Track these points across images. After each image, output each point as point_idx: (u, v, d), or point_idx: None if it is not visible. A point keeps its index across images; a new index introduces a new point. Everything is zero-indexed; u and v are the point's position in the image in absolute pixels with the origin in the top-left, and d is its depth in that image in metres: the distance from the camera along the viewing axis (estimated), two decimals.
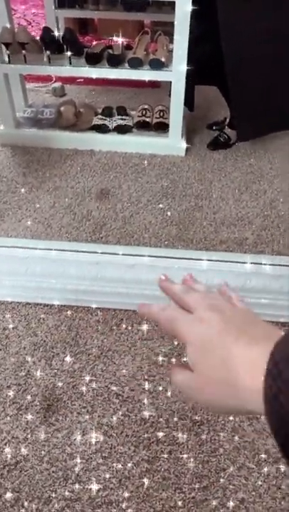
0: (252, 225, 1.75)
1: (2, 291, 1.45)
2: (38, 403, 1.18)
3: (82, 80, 2.78)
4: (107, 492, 1.03)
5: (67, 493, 1.02)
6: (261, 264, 1.49)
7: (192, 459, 1.08)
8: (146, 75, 2.00)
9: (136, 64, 1.97)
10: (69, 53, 1.96)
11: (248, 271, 1.46)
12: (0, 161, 2.10)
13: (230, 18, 1.82)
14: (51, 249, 1.56)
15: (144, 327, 1.38)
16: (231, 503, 1.02)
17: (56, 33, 2.05)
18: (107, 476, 1.05)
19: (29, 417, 1.15)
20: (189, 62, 1.90)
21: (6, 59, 1.99)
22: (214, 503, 1.02)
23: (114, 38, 2.35)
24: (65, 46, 2.00)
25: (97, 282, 1.46)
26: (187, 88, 1.99)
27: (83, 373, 1.25)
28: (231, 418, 1.16)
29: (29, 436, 1.11)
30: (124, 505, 1.01)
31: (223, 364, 0.34)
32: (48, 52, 1.97)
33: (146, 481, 1.05)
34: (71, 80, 2.76)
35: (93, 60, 1.98)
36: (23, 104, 2.32)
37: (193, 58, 1.89)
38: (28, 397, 1.19)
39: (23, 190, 1.93)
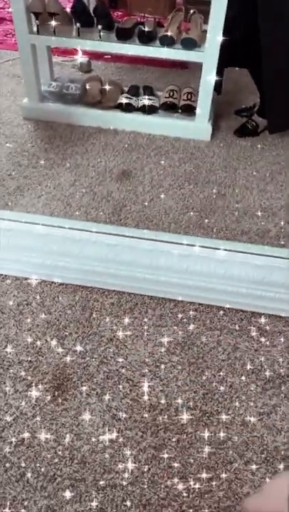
0: (275, 217, 1.71)
1: (18, 267, 1.44)
2: (47, 381, 1.17)
3: (109, 56, 2.71)
4: (112, 475, 1.03)
5: (72, 472, 1.02)
6: (283, 258, 1.45)
7: (199, 450, 1.07)
8: (177, 54, 1.93)
9: (168, 42, 1.90)
10: (99, 27, 1.90)
11: (268, 264, 1.43)
12: (22, 134, 2.08)
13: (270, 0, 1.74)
14: (69, 228, 1.54)
15: (158, 312, 1.36)
16: (236, 497, 1.01)
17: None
18: (113, 459, 1.05)
19: (38, 394, 1.15)
20: (222, 42, 1.82)
21: (35, 29, 1.94)
22: (219, 495, 1.01)
23: (146, 15, 2.28)
24: (95, 19, 1.94)
25: (113, 265, 1.44)
26: (217, 69, 1.92)
27: (95, 355, 1.24)
28: (242, 412, 1.15)
29: (38, 413, 1.12)
30: (128, 490, 1.01)
31: None
32: (78, 24, 1.91)
33: (151, 467, 1.04)
34: (98, 56, 2.69)
35: (124, 35, 1.91)
36: (48, 78, 2.27)
37: (226, 38, 1.81)
38: (39, 374, 1.19)
39: (44, 166, 1.90)
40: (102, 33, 1.92)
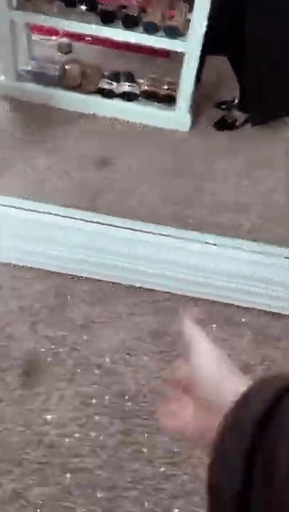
0: (249, 211, 1.74)
1: None
2: (18, 366, 1.17)
3: (90, 38, 2.65)
4: (80, 459, 1.04)
5: (40, 456, 1.04)
6: (257, 252, 1.49)
7: (166, 435, 1.11)
8: (160, 42, 1.92)
9: (151, 29, 1.88)
10: (82, 8, 1.86)
11: (241, 257, 1.47)
12: None
13: None
14: (44, 213, 1.52)
15: (132, 301, 1.38)
16: (199, 480, 1.05)
17: None
18: (81, 443, 1.07)
19: (8, 378, 1.15)
20: (206, 30, 1.82)
21: (15, 4, 1.87)
22: (183, 478, 1.05)
23: None
24: None
25: (88, 252, 1.44)
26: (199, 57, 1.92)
27: (66, 341, 1.25)
28: None
29: (6, 397, 1.12)
30: (95, 473, 1.03)
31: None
32: (60, 2, 1.86)
33: (119, 451, 1.07)
34: (79, 38, 2.63)
35: (107, 17, 1.88)
36: (26, 56, 2.21)
37: (209, 26, 1.81)
38: (9, 359, 1.18)
39: (19, 147, 1.86)
40: (84, 14, 1.88)
